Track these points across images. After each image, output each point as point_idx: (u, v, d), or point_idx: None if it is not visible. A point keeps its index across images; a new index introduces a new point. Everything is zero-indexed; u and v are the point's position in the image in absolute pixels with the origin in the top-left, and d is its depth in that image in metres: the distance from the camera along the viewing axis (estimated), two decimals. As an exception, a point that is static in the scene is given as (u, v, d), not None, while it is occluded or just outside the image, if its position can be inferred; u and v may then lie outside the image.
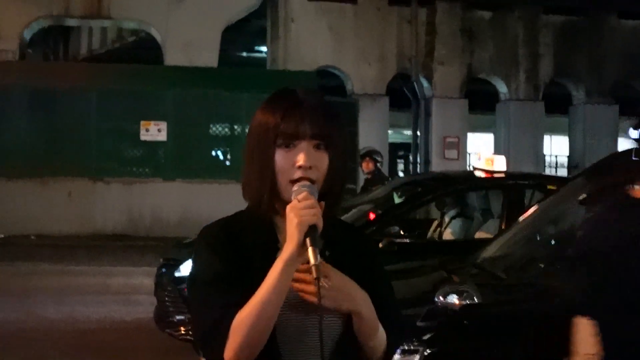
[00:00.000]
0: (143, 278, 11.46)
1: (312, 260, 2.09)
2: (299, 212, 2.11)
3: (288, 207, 2.14)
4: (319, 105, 2.25)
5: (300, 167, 2.19)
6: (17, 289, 11.33)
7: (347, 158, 2.31)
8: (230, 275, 2.19)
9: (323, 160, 2.22)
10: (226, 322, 2.13)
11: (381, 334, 2.26)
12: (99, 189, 18.16)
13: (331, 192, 2.25)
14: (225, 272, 2.19)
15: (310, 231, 2.11)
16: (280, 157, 2.21)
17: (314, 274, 2.09)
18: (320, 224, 2.12)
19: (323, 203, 2.18)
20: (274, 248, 2.23)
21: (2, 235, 17.12)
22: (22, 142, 17.97)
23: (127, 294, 11.22)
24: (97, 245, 16.52)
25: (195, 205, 17.49)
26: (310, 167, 2.20)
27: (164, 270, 8.38)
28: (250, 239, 2.24)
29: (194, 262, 2.27)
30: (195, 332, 2.23)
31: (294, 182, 2.20)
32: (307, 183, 2.18)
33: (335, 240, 2.28)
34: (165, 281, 8.22)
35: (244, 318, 2.12)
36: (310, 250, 2.10)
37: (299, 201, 2.14)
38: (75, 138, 18.11)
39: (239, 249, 2.23)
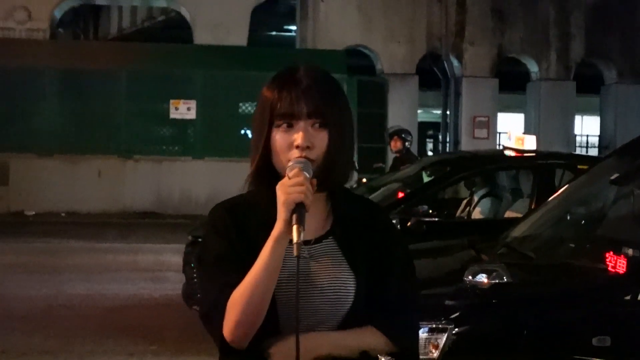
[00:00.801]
0: (171, 255, 11.50)
1: (294, 238, 2.09)
2: (287, 189, 2.11)
3: (278, 185, 2.14)
4: (315, 83, 2.23)
5: (297, 146, 2.19)
6: (47, 267, 11.41)
7: (350, 134, 2.28)
8: (232, 256, 2.20)
9: (322, 138, 2.21)
10: (223, 302, 2.15)
11: (372, 344, 2.23)
12: (129, 168, 18.24)
13: (335, 169, 2.23)
14: (228, 254, 2.21)
15: (296, 209, 2.10)
16: (279, 137, 2.21)
17: (295, 252, 2.08)
18: (308, 202, 2.11)
19: (315, 180, 2.17)
20: None
21: (33, 213, 17.27)
22: (52, 121, 18.08)
23: (155, 271, 11.26)
24: (126, 223, 16.62)
25: (223, 184, 17.49)
26: (308, 147, 2.19)
27: (192, 247, 8.38)
28: (255, 218, 2.25)
29: (201, 242, 2.30)
30: (199, 311, 2.26)
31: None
32: (302, 159, 2.17)
33: (346, 216, 2.28)
34: (193, 259, 8.23)
35: (237, 297, 2.14)
36: (294, 228, 2.09)
37: (289, 178, 2.14)
38: (105, 117, 18.19)
39: (244, 229, 2.24)
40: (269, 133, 2.20)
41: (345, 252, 2.26)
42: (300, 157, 2.18)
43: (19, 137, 17.82)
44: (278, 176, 2.20)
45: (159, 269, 11.35)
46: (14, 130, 17.84)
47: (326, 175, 2.21)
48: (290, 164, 2.17)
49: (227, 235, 2.23)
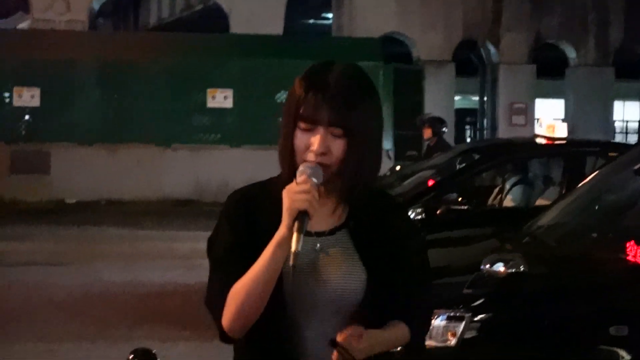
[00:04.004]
0: (207, 243, 11.59)
1: (292, 247, 2.11)
2: (292, 195, 2.14)
3: (284, 189, 2.17)
4: (344, 89, 2.20)
5: (313, 151, 2.20)
6: (86, 254, 11.61)
7: (376, 140, 2.27)
8: (240, 249, 2.23)
9: (339, 146, 2.20)
10: (226, 294, 2.20)
11: (403, 336, 2.28)
12: (167, 156, 18.43)
13: (353, 177, 2.23)
14: (236, 246, 2.24)
15: (299, 216, 2.12)
16: (299, 137, 2.22)
17: (291, 261, 2.11)
18: (313, 210, 2.13)
19: (322, 188, 2.18)
20: None
21: (74, 201, 17.54)
22: (92, 111, 18.31)
23: (192, 258, 11.38)
24: (165, 210, 16.80)
25: (260, 171, 17.36)
26: (324, 153, 2.20)
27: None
28: (268, 209, 2.26)
29: (215, 228, 2.33)
30: (205, 297, 2.31)
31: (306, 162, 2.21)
32: (312, 164, 2.19)
33: (361, 209, 2.27)
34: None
35: (236, 292, 2.19)
36: (294, 236, 2.11)
37: (297, 184, 2.16)
38: (143, 107, 18.37)
39: (255, 220, 2.26)
40: (293, 130, 2.22)
41: (357, 245, 2.27)
42: (313, 162, 2.19)
43: (60, 127, 18.07)
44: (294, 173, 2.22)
45: (195, 257, 11.48)
46: (55, 121, 18.10)
47: (346, 183, 2.22)
48: (300, 168, 2.18)
49: (238, 226, 2.25)
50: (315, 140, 2.19)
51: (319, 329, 2.23)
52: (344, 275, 2.24)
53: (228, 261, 2.24)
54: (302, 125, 2.20)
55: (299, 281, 2.21)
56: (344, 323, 2.20)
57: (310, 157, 2.19)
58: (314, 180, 2.16)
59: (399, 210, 2.41)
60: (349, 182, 2.22)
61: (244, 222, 2.26)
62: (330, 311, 2.22)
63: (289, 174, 2.23)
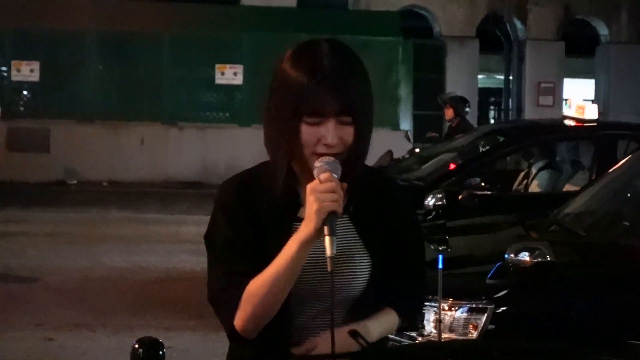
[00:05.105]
0: (214, 228, 11.61)
1: (328, 252, 2.12)
2: (320, 196, 2.13)
3: (308, 188, 2.16)
4: (344, 73, 2.21)
5: (326, 144, 2.20)
6: (87, 237, 11.65)
7: (372, 120, 2.30)
8: (241, 242, 2.25)
9: (348, 134, 2.23)
10: (233, 291, 2.22)
11: (393, 324, 2.37)
12: (172, 135, 18.44)
13: (359, 162, 2.27)
14: (236, 239, 2.26)
15: (328, 218, 2.13)
16: (305, 131, 2.21)
17: (329, 267, 2.11)
18: (340, 210, 2.14)
19: (345, 185, 2.19)
20: (294, 211, 2.27)
21: (75, 181, 17.59)
22: (94, 87, 18.34)
23: (197, 243, 11.31)
24: (170, 192, 16.84)
25: (270, 153, 17.61)
26: (335, 144, 2.21)
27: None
28: (266, 198, 2.28)
29: (210, 221, 2.34)
30: (207, 291, 2.32)
31: (318, 154, 2.21)
32: (331, 159, 2.19)
33: (362, 194, 2.32)
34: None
35: (254, 291, 2.20)
36: (327, 240, 2.12)
37: (320, 181, 2.15)
38: (148, 82, 18.39)
39: (253, 209, 2.27)
40: (295, 122, 2.20)
41: (360, 231, 2.31)
42: (327, 155, 2.20)
43: (61, 103, 18.12)
44: (300, 164, 2.24)
45: (201, 241, 11.46)
46: (55, 96, 18.14)
47: (350, 168, 2.24)
48: (317, 164, 2.19)
49: (236, 218, 2.27)
50: (328, 133, 2.20)
51: (311, 316, 2.28)
52: (350, 264, 2.28)
53: (232, 255, 2.25)
54: (308, 119, 2.20)
55: (304, 275, 2.23)
56: (344, 310, 2.26)
57: (322, 149, 2.20)
58: (335, 176, 2.17)
59: (397, 191, 2.46)
60: (354, 166, 2.25)
61: (241, 213, 2.27)
62: (336, 300, 2.23)
63: (283, 165, 2.24)
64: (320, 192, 2.13)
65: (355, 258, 2.29)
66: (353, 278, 2.27)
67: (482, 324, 4.27)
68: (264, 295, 2.18)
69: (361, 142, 2.24)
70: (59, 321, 7.63)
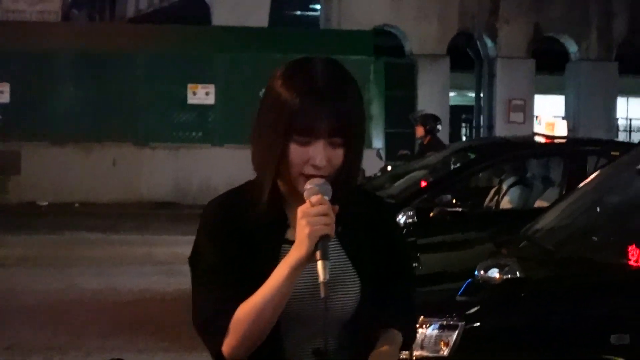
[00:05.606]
0: (188, 248, 11.40)
1: (320, 277, 2.08)
2: (311, 219, 2.10)
3: (300, 211, 2.12)
4: (338, 93, 2.18)
5: (314, 165, 2.17)
6: (58, 259, 11.58)
7: (364, 141, 2.27)
8: (227, 266, 2.20)
9: (338, 155, 2.19)
10: (222, 318, 2.17)
11: (400, 344, 2.32)
12: (145, 155, 18.40)
13: (349, 182, 2.24)
14: (222, 264, 2.21)
15: (321, 242, 2.10)
16: (293, 151, 2.17)
17: (322, 293, 2.08)
18: (332, 233, 2.12)
19: (337, 207, 2.15)
20: (281, 233, 2.24)
21: (46, 203, 17.49)
22: (65, 108, 18.27)
23: (170, 264, 11.38)
24: (142, 213, 16.76)
25: (244, 172, 17.18)
26: (323, 166, 2.18)
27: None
28: (252, 218, 2.23)
29: (194, 245, 2.29)
30: (193, 317, 2.24)
31: (305, 175, 2.18)
32: (321, 181, 2.16)
33: (351, 215, 2.27)
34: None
35: (242, 317, 2.15)
36: (320, 264, 2.09)
37: (312, 204, 2.12)
38: (120, 102, 18.34)
39: (239, 232, 2.23)
40: (284, 142, 2.17)
41: (349, 254, 2.28)
42: (319, 177, 2.16)
43: (31, 124, 18.02)
44: (287, 184, 2.21)
45: (173, 262, 11.48)
46: (25, 118, 18.05)
47: (340, 190, 2.20)
48: (309, 186, 2.15)
49: (221, 242, 2.22)
50: (317, 154, 2.16)
51: (301, 339, 2.24)
52: (341, 287, 2.24)
53: (218, 281, 2.20)
54: (298, 137, 2.17)
55: (293, 299, 2.19)
56: (335, 333, 2.23)
57: (311, 170, 2.17)
58: (326, 198, 2.14)
59: (387, 213, 2.44)
60: (343, 188, 2.22)
61: (226, 234, 2.22)
62: (319, 327, 2.20)
63: (269, 183, 2.22)
64: (312, 216, 2.10)
65: (344, 280, 2.25)
66: (343, 300, 2.24)
67: (452, 341, 4.30)
68: (252, 320, 2.14)
69: (352, 164, 2.21)
70: (31, 344, 7.59)
